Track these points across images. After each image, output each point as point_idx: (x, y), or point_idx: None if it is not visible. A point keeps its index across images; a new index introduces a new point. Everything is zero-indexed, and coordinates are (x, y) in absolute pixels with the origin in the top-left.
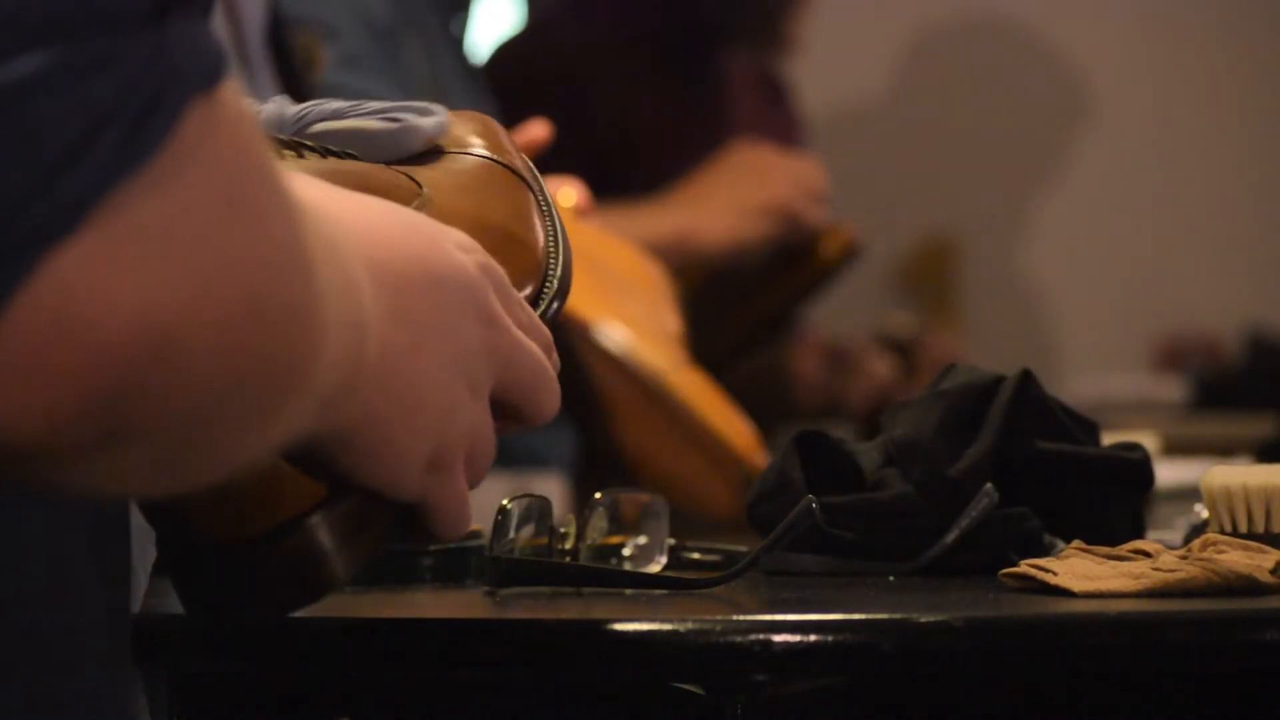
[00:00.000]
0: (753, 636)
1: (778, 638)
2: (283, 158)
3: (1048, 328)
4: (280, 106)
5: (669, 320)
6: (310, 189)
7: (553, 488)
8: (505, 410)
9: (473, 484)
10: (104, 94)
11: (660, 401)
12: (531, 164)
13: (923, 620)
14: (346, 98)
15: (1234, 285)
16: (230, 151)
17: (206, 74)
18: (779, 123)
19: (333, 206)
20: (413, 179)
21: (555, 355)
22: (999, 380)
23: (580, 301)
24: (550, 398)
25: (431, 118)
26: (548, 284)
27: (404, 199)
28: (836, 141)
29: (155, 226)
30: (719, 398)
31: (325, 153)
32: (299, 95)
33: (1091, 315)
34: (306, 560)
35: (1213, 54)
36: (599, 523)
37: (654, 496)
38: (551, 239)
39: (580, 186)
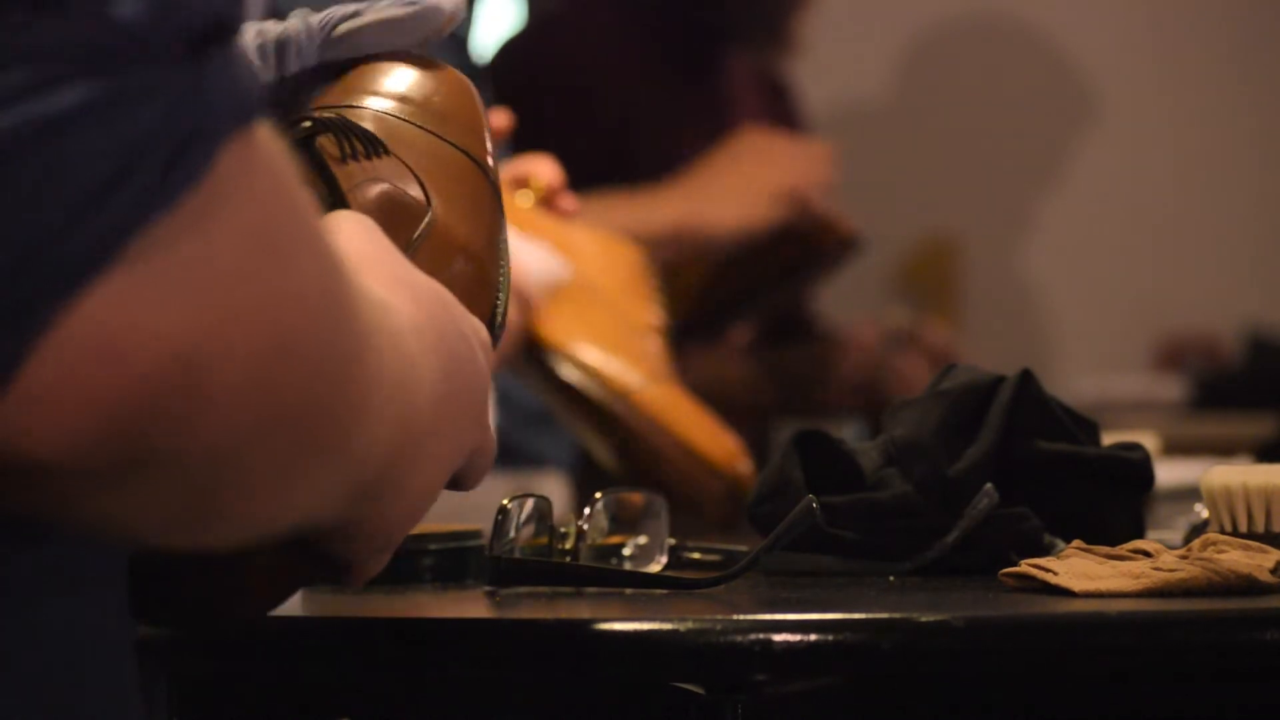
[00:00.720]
0: (753, 636)
1: (778, 638)
2: (309, 179)
3: (1048, 328)
4: (304, 18)
5: (642, 315)
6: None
7: (553, 488)
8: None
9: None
10: (141, 128)
11: (628, 422)
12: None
13: (923, 620)
14: None
15: (1234, 285)
16: (264, 190)
17: (243, 111)
18: (780, 121)
19: (400, 290)
20: (424, 190)
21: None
22: (999, 380)
23: (546, 326)
24: (482, 478)
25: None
26: (494, 329)
27: (413, 220)
28: (838, 141)
29: (187, 262)
30: (693, 410)
31: (343, 157)
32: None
33: (1091, 315)
34: (236, 591)
35: (1213, 54)
36: (599, 523)
37: (654, 496)
38: (503, 270)
39: (552, 166)
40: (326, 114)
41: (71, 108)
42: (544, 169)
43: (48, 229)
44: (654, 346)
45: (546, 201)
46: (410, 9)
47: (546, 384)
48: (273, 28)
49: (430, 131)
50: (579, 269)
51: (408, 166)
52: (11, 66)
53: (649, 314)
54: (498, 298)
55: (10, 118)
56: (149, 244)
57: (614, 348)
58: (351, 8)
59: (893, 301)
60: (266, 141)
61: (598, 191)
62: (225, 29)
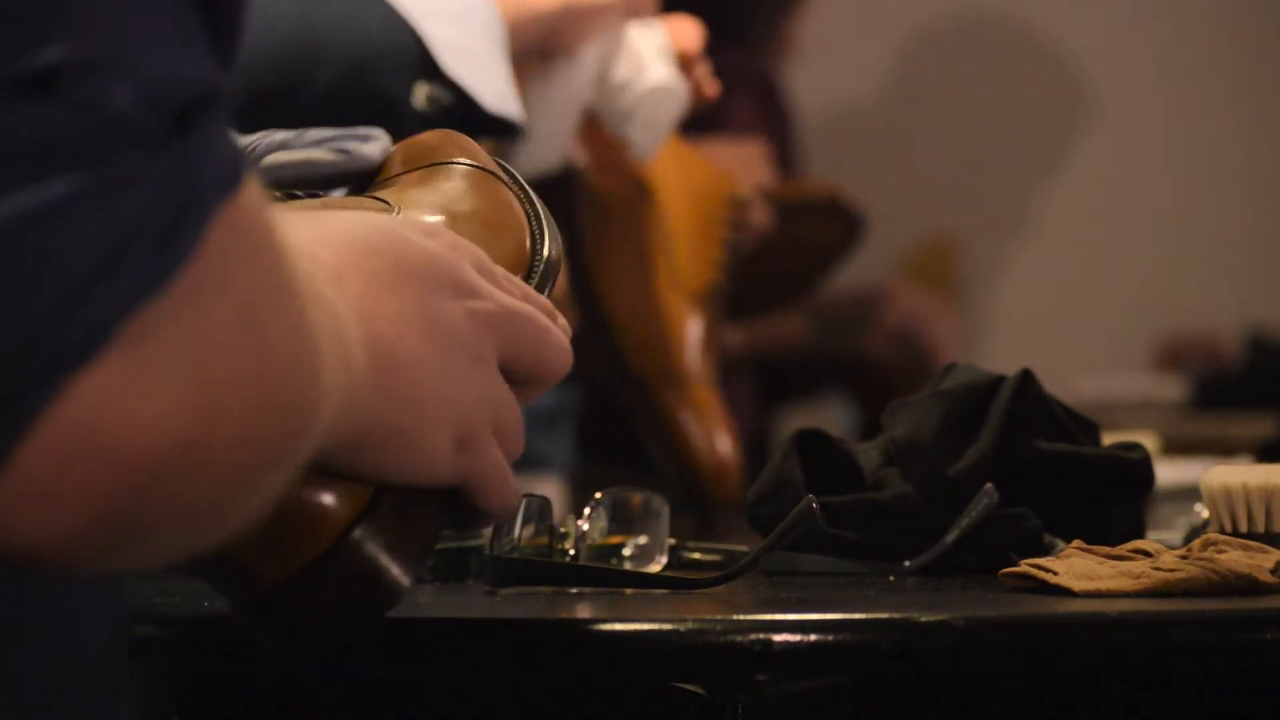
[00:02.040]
0: (753, 636)
1: (778, 638)
2: None
3: (1047, 328)
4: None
5: (702, 273)
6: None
7: (553, 489)
8: (518, 376)
9: (509, 455)
10: (131, 214)
11: (657, 407)
12: (505, 164)
13: (923, 620)
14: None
15: (1234, 285)
16: (249, 256)
17: (228, 180)
18: (770, 120)
19: (302, 231)
20: (380, 199)
21: (562, 319)
22: (999, 380)
23: (606, 271)
24: (557, 354)
25: (374, 143)
26: (535, 266)
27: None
28: (837, 141)
29: (179, 342)
30: (711, 419)
31: (287, 196)
32: None
33: (1091, 315)
34: (359, 576)
35: (1213, 54)
36: (599, 523)
37: (654, 496)
38: (535, 223)
39: (693, 30)
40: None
41: (62, 199)
42: (683, 32)
43: (39, 319)
44: (704, 320)
45: (680, 66)
46: (339, 157)
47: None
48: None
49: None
50: (666, 198)
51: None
52: (3, 159)
53: (708, 272)
54: (536, 253)
55: (1, 210)
56: (141, 327)
57: (663, 321)
58: (280, 137)
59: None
60: (249, 201)
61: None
62: (209, 101)
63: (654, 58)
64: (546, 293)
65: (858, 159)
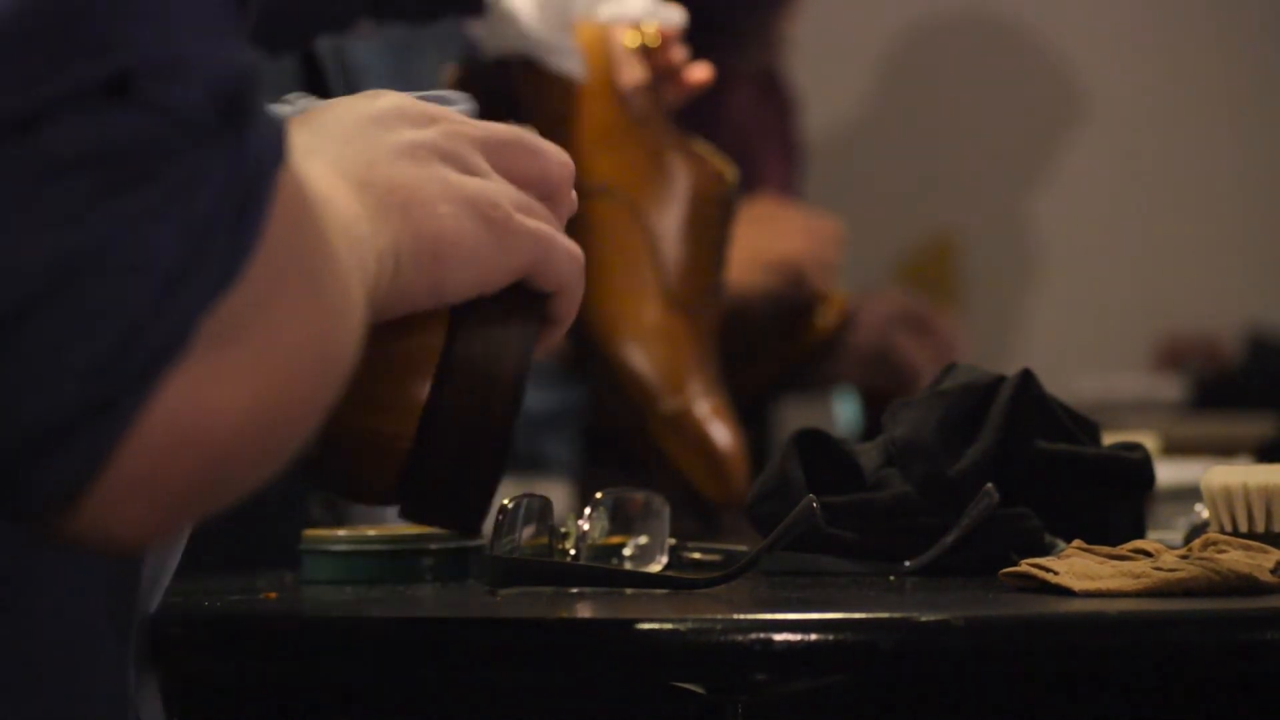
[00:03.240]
0: (753, 636)
1: (778, 637)
2: None
3: (1048, 327)
4: (297, 105)
5: (697, 281)
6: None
7: (557, 489)
8: (522, 186)
9: (554, 223)
10: (204, 210)
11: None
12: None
13: (923, 620)
14: None
15: (1234, 285)
16: (302, 225)
17: (277, 155)
18: (773, 118)
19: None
20: None
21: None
22: (999, 380)
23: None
24: (551, 154)
25: (472, 103)
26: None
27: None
28: (837, 141)
29: (254, 327)
30: (715, 438)
31: None
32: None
33: (1091, 315)
34: (466, 432)
35: (1212, 54)
36: (599, 523)
37: (654, 496)
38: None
39: (675, 12)
40: None
41: (144, 206)
42: (665, 13)
43: (131, 323)
44: (701, 326)
45: (654, 50)
46: None
47: (600, 380)
48: (283, 109)
49: None
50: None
51: None
52: (83, 169)
53: (703, 277)
54: None
55: (85, 226)
56: (222, 316)
57: (662, 347)
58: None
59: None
60: (293, 173)
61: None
62: (253, 84)
63: None
64: None
65: (857, 160)
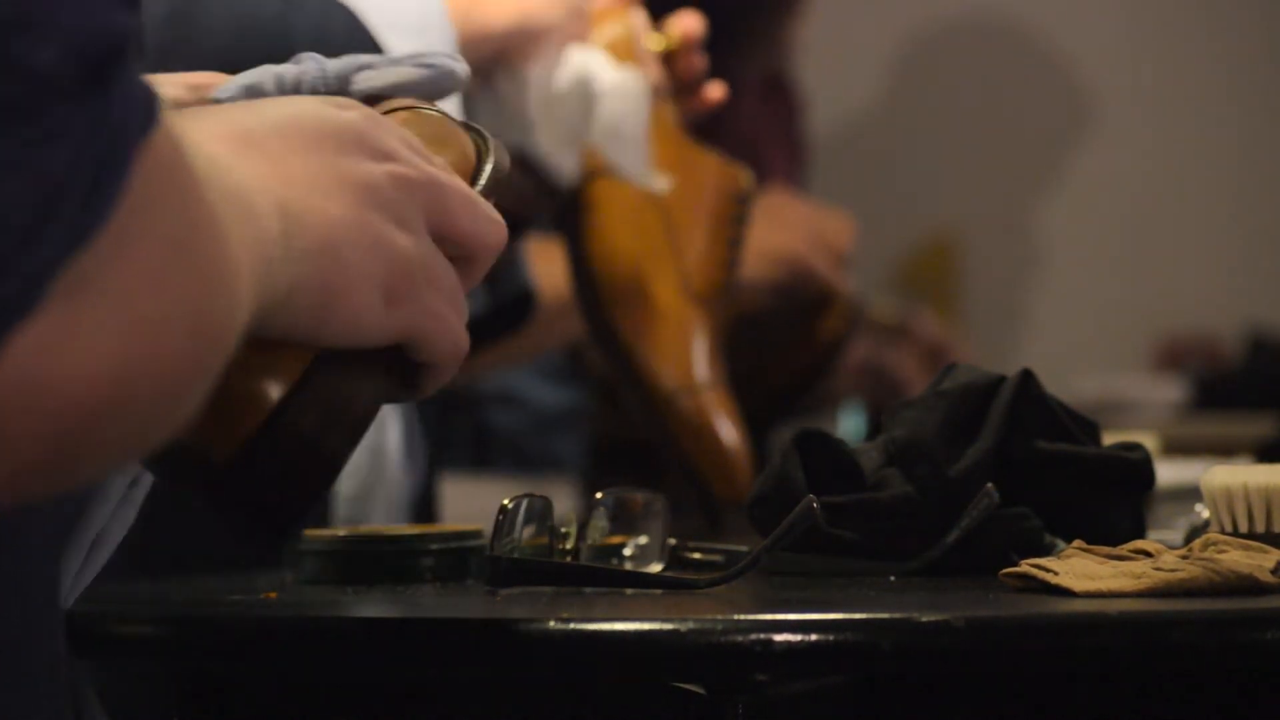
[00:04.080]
0: (753, 636)
1: (778, 638)
2: None
3: (1048, 327)
4: (320, 64)
5: (715, 274)
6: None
7: (564, 490)
8: (449, 248)
9: (452, 309)
10: (57, 166)
11: (671, 416)
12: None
13: (923, 620)
14: None
15: (1234, 285)
16: (170, 191)
17: (146, 119)
18: (779, 118)
19: (210, 119)
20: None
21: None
22: (1000, 380)
23: (617, 278)
24: (488, 224)
25: (460, 63)
26: (480, 171)
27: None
28: (839, 141)
29: (109, 290)
30: (720, 430)
31: None
32: None
33: (1091, 315)
34: (297, 451)
35: (1212, 56)
36: (599, 523)
37: (654, 496)
38: (482, 142)
39: (694, 20)
40: None
41: None
42: (683, 20)
43: None
44: (712, 321)
45: (675, 54)
46: (425, 72)
47: (610, 356)
48: (289, 70)
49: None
50: (677, 196)
51: None
52: None
53: (717, 272)
54: (481, 161)
55: None
56: (74, 277)
57: (673, 330)
58: (367, 59)
59: (891, 300)
60: (164, 135)
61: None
62: (125, 48)
63: (598, 68)
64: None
65: (858, 160)
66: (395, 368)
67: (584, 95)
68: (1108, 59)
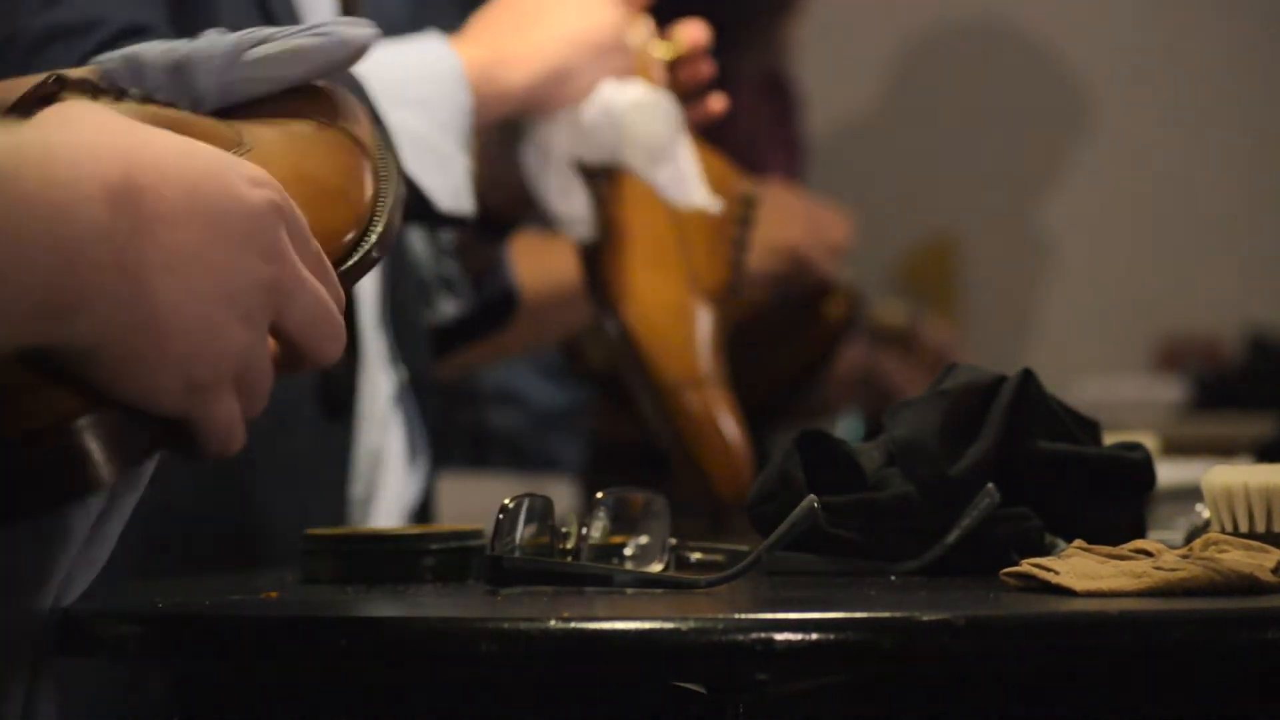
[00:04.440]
0: (754, 636)
1: (778, 637)
2: (99, 100)
3: (1048, 328)
4: (214, 38)
5: (714, 274)
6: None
7: (564, 490)
8: (285, 349)
9: (247, 411)
10: None
11: (674, 410)
12: (377, 135)
13: (923, 619)
14: None
15: (1234, 285)
16: None
17: None
18: (777, 118)
19: (87, 132)
20: (237, 130)
21: (343, 302)
22: (1000, 380)
23: (621, 274)
24: (330, 342)
25: (361, 30)
26: (369, 234)
27: (222, 147)
28: (840, 141)
29: None
30: (722, 425)
31: (144, 99)
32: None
33: (1092, 315)
34: (70, 460)
35: (1213, 57)
36: (600, 523)
37: (655, 496)
38: (381, 197)
39: (699, 28)
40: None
41: None
42: (689, 28)
43: None
44: (716, 318)
45: (682, 61)
46: (319, 39)
47: (616, 344)
48: (183, 45)
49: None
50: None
51: (223, 119)
52: None
53: (720, 270)
54: (372, 221)
55: None
56: None
57: (679, 322)
58: (264, 32)
59: (897, 302)
60: None
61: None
62: None
63: (616, 92)
64: (373, 261)
65: (858, 160)
66: (175, 432)
67: (611, 124)
68: (1109, 59)
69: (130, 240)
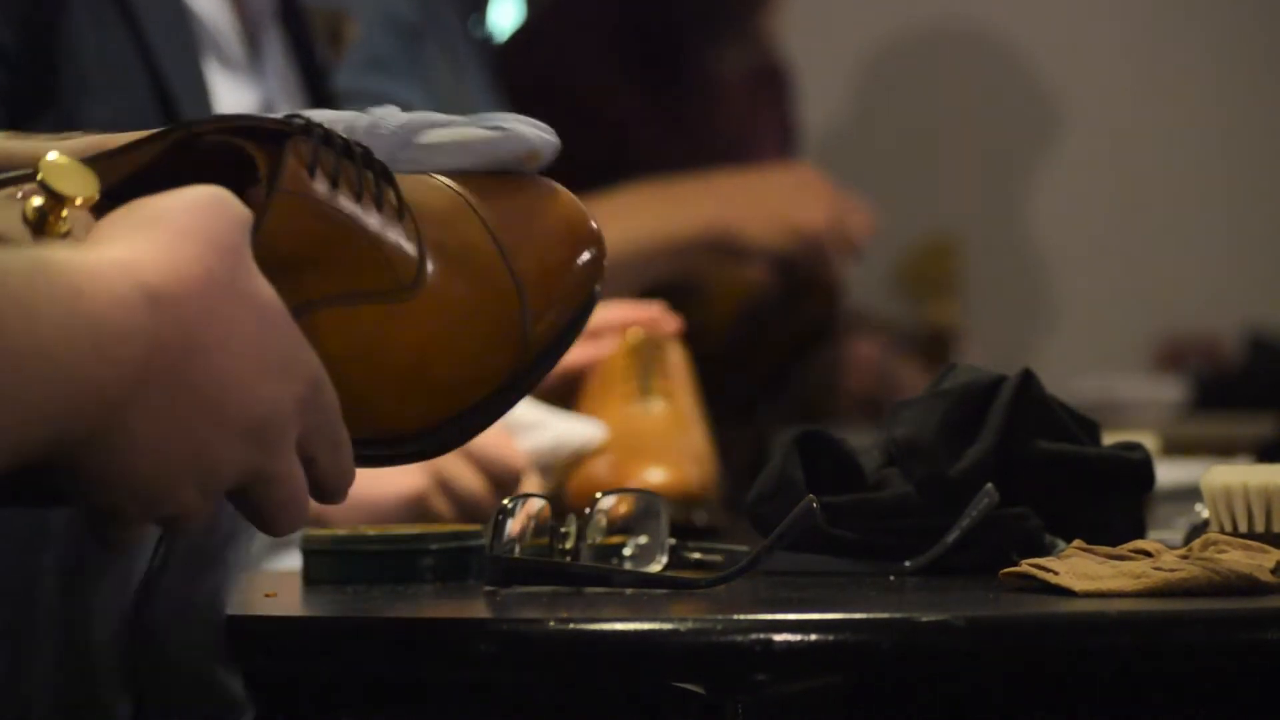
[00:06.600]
0: (753, 636)
1: (778, 637)
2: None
3: (1048, 327)
4: (380, 118)
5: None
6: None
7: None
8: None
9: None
10: None
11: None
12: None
13: (923, 619)
14: (368, 101)
15: (1234, 285)
16: None
17: None
18: (771, 111)
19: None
20: (422, 258)
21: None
22: (1000, 380)
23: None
24: (288, 524)
25: (538, 132)
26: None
27: (392, 280)
28: (837, 140)
29: None
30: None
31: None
32: (314, 75)
33: (1092, 315)
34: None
35: (1213, 56)
36: (599, 523)
37: (654, 496)
38: None
39: (669, 321)
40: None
41: None
42: (663, 324)
43: None
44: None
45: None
46: (492, 134)
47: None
48: (361, 119)
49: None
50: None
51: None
52: None
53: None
54: None
55: None
56: None
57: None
58: (440, 118)
59: (894, 302)
60: None
61: (619, 188)
62: None
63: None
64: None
65: (857, 160)
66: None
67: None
68: (1109, 61)
69: (177, 373)
